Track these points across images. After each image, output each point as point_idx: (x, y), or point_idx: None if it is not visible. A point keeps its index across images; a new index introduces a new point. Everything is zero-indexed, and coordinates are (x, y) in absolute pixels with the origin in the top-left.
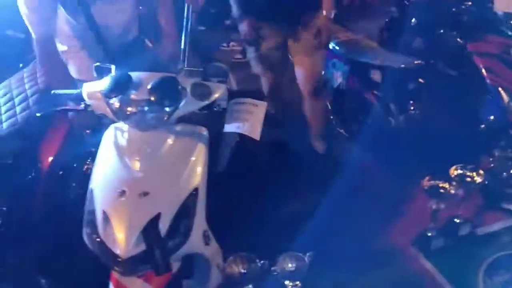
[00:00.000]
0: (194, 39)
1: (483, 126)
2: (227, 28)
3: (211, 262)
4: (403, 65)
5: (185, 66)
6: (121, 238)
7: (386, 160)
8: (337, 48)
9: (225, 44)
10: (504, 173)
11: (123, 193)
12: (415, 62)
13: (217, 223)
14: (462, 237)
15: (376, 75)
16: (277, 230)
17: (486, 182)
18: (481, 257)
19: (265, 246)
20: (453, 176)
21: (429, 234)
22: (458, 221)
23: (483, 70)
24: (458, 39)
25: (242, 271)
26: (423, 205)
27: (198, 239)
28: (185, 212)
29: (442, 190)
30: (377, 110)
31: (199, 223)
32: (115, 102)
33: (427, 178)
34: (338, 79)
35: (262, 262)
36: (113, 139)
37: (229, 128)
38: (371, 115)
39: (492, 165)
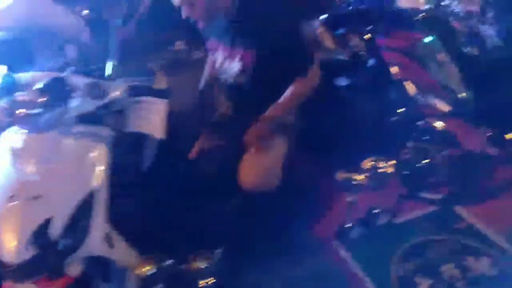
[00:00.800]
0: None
1: (395, 118)
2: (175, 27)
3: (120, 264)
4: None
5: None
6: (10, 244)
7: (302, 155)
8: None
9: (172, 44)
10: (418, 164)
11: (13, 197)
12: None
13: (129, 224)
14: (380, 227)
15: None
16: (190, 229)
17: (404, 172)
18: (397, 245)
19: (177, 246)
20: (365, 168)
21: (348, 225)
22: (376, 211)
23: (391, 64)
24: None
25: (151, 271)
26: (341, 198)
27: (98, 242)
28: (80, 215)
29: (355, 182)
30: None
31: (99, 225)
32: (3, 104)
33: (340, 171)
34: None
35: (171, 261)
36: (7, 143)
37: (131, 127)
38: None
39: (407, 156)
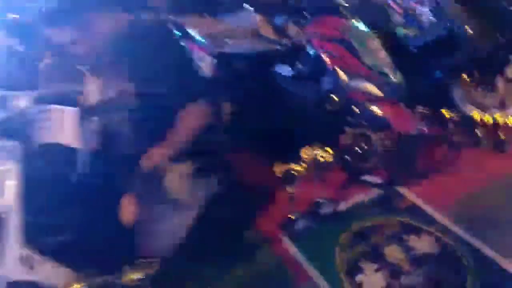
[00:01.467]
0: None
1: (330, 106)
2: None
3: (47, 286)
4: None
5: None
6: None
7: (242, 150)
8: (202, 40)
9: None
10: (358, 148)
11: None
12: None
13: (52, 241)
14: (324, 216)
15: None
16: (123, 240)
17: (344, 158)
18: (341, 232)
19: (110, 259)
20: (305, 158)
21: (293, 218)
22: (319, 201)
23: (322, 52)
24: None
25: None
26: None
27: (14, 265)
28: None
29: (294, 173)
30: None
31: (13, 248)
32: None
33: (278, 163)
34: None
35: (104, 276)
36: None
37: (44, 138)
38: None
39: (346, 142)
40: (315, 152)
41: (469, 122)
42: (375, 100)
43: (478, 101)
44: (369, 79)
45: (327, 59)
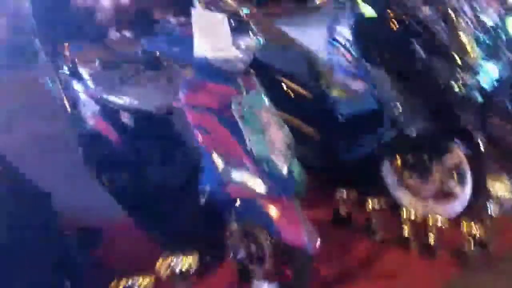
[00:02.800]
0: None
1: (203, 200)
2: None
3: None
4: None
5: None
6: None
7: None
8: (90, 84)
9: None
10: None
11: None
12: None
13: None
14: None
15: (125, 117)
16: None
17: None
18: None
19: None
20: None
21: None
22: None
23: (196, 129)
24: None
25: None
26: None
27: None
28: None
29: None
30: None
31: None
32: None
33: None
34: (89, 120)
35: None
36: None
37: None
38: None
39: (231, 241)
40: (174, 260)
41: (398, 214)
42: (259, 197)
43: (412, 187)
44: (248, 169)
45: (199, 138)
